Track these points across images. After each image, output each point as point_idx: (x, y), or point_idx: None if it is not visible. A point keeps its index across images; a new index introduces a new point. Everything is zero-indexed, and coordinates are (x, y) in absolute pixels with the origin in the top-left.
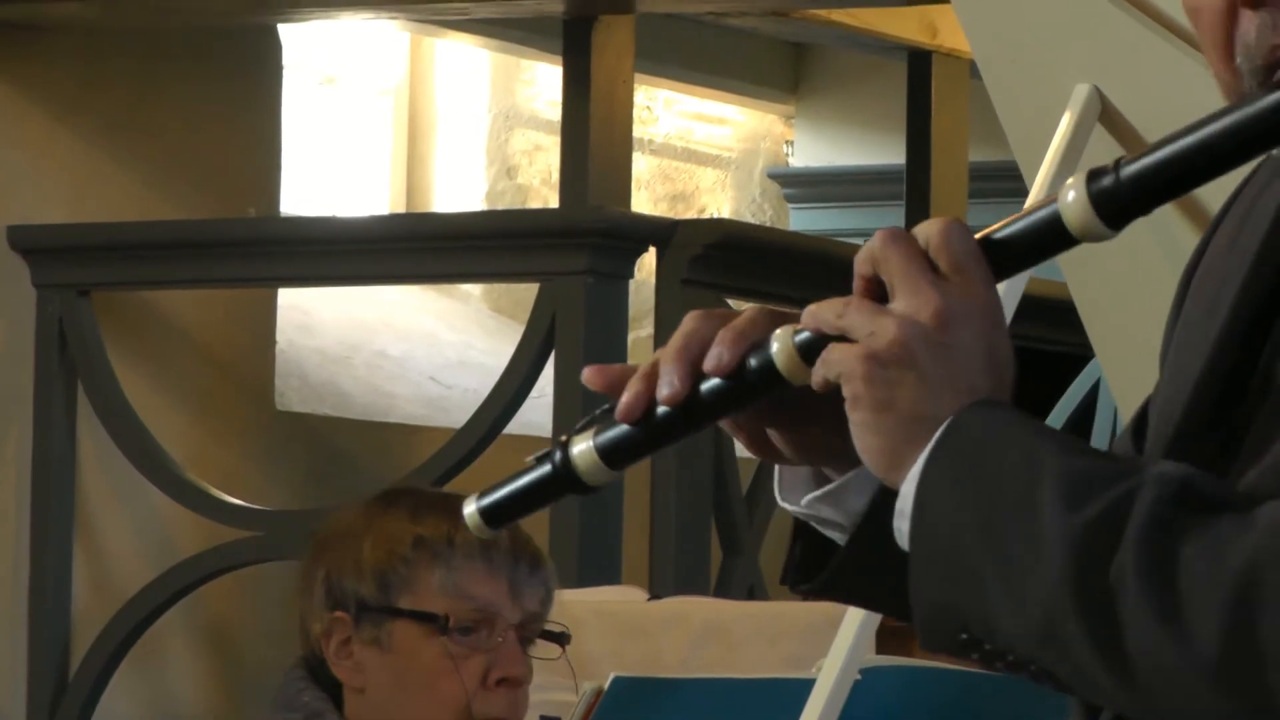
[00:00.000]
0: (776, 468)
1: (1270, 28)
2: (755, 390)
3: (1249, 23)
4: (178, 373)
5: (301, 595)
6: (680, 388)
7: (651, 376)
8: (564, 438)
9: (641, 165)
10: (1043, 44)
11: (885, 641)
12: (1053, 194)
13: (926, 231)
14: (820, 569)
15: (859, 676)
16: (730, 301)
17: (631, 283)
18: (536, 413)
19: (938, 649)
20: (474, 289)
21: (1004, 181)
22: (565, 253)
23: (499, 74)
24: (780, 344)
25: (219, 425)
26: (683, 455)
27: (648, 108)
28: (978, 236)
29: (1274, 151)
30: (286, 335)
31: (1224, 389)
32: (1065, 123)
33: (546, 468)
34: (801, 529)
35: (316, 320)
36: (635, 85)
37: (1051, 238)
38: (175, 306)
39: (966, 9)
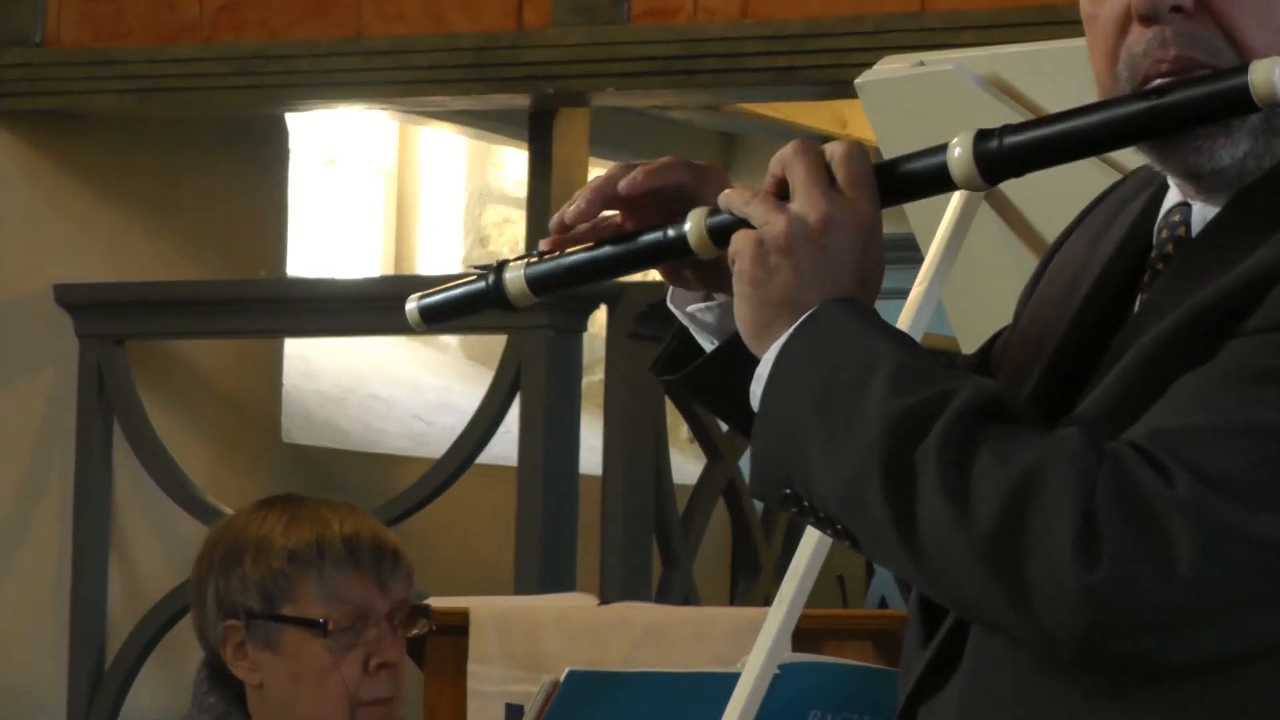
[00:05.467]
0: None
1: (1159, 43)
2: (667, 254)
3: (1139, 36)
4: (199, 411)
5: (195, 607)
6: (585, 208)
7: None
8: (501, 261)
9: None
10: (935, 133)
11: (800, 642)
12: (944, 143)
13: (833, 149)
14: (686, 367)
15: (778, 671)
16: None
17: (585, 335)
18: (504, 446)
19: (764, 499)
20: (452, 340)
21: (903, 251)
22: (529, 310)
23: (474, 157)
24: (693, 223)
25: (234, 456)
26: (628, 481)
27: None
28: (875, 164)
29: (1140, 170)
30: (292, 379)
31: (1071, 364)
32: (955, 201)
33: (481, 284)
34: (680, 332)
35: (317, 367)
36: (590, 167)
37: (934, 180)
38: (198, 354)
39: (871, 103)
